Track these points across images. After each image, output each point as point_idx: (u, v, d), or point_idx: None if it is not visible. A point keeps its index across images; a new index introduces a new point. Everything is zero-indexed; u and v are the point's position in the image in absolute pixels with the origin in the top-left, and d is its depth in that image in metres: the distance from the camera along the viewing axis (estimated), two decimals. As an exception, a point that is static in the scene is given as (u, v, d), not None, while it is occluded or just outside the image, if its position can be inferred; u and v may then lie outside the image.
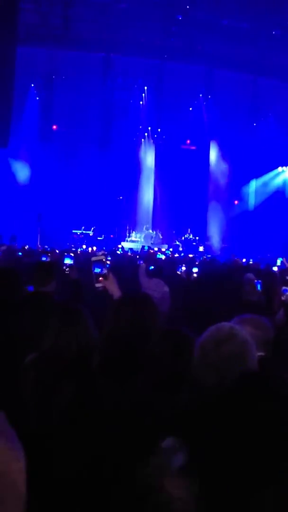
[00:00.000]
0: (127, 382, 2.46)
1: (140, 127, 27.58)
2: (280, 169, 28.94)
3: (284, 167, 28.86)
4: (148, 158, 27.98)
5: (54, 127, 26.55)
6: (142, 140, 27.73)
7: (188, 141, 28.56)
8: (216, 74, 27.84)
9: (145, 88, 27.49)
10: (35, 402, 2.60)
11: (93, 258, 3.68)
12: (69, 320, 2.98)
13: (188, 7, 21.77)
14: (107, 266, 3.80)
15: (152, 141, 27.90)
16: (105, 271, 3.63)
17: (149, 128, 27.68)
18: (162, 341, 2.59)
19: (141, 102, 27.52)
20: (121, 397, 2.40)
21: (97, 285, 3.63)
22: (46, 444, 2.39)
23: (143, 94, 27.53)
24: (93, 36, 24.59)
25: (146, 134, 27.72)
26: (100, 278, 3.62)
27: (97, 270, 3.63)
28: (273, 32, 23.03)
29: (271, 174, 29.14)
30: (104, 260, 3.70)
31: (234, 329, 2.37)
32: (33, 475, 2.34)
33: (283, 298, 7.53)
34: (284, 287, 7.80)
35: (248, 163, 28.87)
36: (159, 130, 27.81)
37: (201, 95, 28.00)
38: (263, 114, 28.40)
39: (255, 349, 2.32)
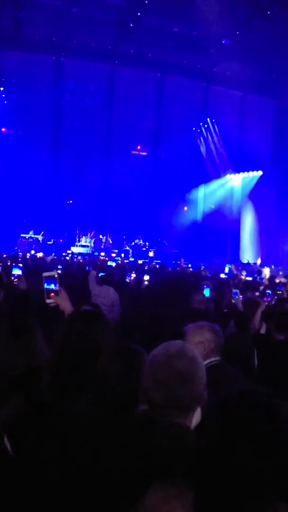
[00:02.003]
0: (77, 400, 2.42)
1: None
2: (228, 176, 29.36)
3: (232, 174, 29.29)
4: (99, 162, 27.85)
5: (3, 129, 26.16)
6: (93, 144, 27.62)
7: (139, 147, 28.68)
8: (167, 80, 28.05)
9: (96, 92, 27.43)
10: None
11: (45, 274, 3.62)
12: (18, 333, 2.89)
13: (139, 14, 21.84)
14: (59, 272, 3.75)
15: (103, 146, 27.85)
16: (56, 287, 3.57)
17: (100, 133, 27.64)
18: (114, 358, 2.57)
19: (92, 107, 27.42)
20: (71, 415, 2.36)
21: (48, 301, 3.57)
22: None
23: (94, 99, 27.44)
24: (44, 39, 24.43)
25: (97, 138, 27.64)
26: (52, 294, 3.56)
27: (48, 286, 3.56)
28: (223, 41, 23.35)
29: (220, 180, 29.53)
30: (55, 276, 3.63)
31: (185, 346, 2.39)
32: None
33: (233, 301, 7.66)
34: (234, 290, 7.95)
35: (198, 169, 29.23)
36: (110, 135, 27.81)
37: (152, 100, 28.22)
38: (212, 121, 28.77)
39: (203, 368, 2.34)
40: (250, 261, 26.28)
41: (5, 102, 25.71)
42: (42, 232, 25.90)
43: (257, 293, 9.36)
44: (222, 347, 3.88)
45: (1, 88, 25.78)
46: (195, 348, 2.46)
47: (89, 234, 26.50)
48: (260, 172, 28.07)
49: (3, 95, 25.80)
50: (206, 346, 3.65)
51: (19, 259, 13.21)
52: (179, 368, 2.24)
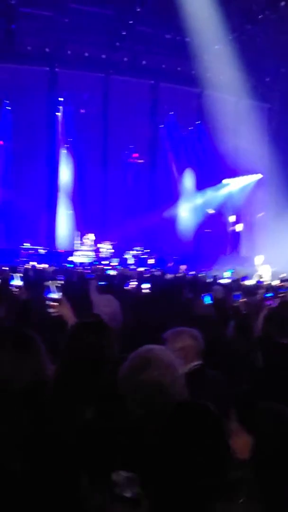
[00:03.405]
0: (83, 412, 2.40)
1: None
2: (226, 180, 29.39)
3: (230, 178, 29.32)
4: (96, 171, 27.81)
5: (0, 142, 26.14)
6: (90, 153, 27.61)
7: (136, 155, 28.70)
8: (162, 87, 28.14)
9: (91, 102, 27.44)
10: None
11: (46, 283, 3.61)
12: (21, 348, 2.86)
13: (131, 22, 21.94)
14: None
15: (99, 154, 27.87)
16: (58, 296, 3.55)
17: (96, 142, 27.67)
18: (118, 369, 2.54)
19: (87, 116, 27.42)
20: (77, 428, 2.34)
21: (50, 310, 3.55)
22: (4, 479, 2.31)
23: (89, 108, 27.46)
24: (37, 50, 24.51)
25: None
26: (53, 304, 3.54)
27: (50, 295, 3.55)
28: (216, 47, 23.44)
29: (218, 185, 29.55)
30: (57, 285, 3.61)
31: (152, 354, 2.36)
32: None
33: (235, 304, 7.67)
34: (235, 294, 7.95)
35: (195, 174, 29.33)
36: (106, 143, 27.86)
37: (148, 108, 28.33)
38: (207, 126, 28.79)
39: (176, 371, 2.32)
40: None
41: (2, 115, 25.74)
42: (48, 248, 25.98)
43: (257, 296, 9.36)
44: (227, 349, 3.89)
45: None
46: (164, 352, 2.43)
47: (87, 240, 26.38)
48: (258, 176, 28.11)
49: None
50: (187, 352, 3.67)
51: (20, 270, 13.19)
52: (147, 378, 2.25)
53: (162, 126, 28.63)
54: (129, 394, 2.24)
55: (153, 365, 2.28)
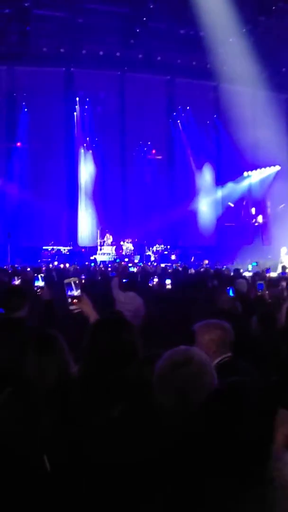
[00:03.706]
0: (110, 409, 2.41)
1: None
2: (245, 173, 29.21)
3: (249, 171, 29.13)
4: (115, 169, 27.89)
5: (19, 144, 26.32)
6: (108, 151, 27.67)
7: (154, 151, 28.69)
8: (177, 82, 28.09)
9: (108, 100, 27.50)
10: (14, 436, 2.51)
11: (66, 281, 3.63)
12: (45, 349, 2.89)
13: (145, 19, 21.92)
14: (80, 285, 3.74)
15: (118, 152, 27.93)
16: (78, 293, 3.58)
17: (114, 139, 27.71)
18: (143, 366, 2.55)
19: (104, 114, 27.47)
20: (103, 426, 2.35)
21: (71, 307, 3.57)
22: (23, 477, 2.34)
23: (106, 106, 27.51)
24: (52, 51, 24.61)
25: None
26: (74, 300, 3.56)
27: (70, 292, 3.58)
28: (230, 40, 23.30)
29: (238, 178, 29.40)
30: (77, 282, 3.64)
31: (190, 352, 2.41)
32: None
33: (258, 293, 7.64)
34: (259, 283, 7.93)
35: (214, 168, 29.22)
36: (124, 141, 27.89)
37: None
38: (225, 120, 28.64)
39: (212, 370, 2.35)
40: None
41: (20, 116, 25.94)
42: (71, 242, 26.18)
43: (280, 287, 9.34)
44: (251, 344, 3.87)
45: (15, 104, 25.97)
46: (199, 351, 2.47)
47: (106, 236, 26.40)
48: (277, 167, 27.89)
49: (17, 110, 26.00)
50: (217, 344, 3.67)
51: (43, 271, 13.29)
52: (185, 374, 2.27)
53: (179, 121, 28.60)
54: (166, 389, 2.26)
55: (193, 361, 2.32)
